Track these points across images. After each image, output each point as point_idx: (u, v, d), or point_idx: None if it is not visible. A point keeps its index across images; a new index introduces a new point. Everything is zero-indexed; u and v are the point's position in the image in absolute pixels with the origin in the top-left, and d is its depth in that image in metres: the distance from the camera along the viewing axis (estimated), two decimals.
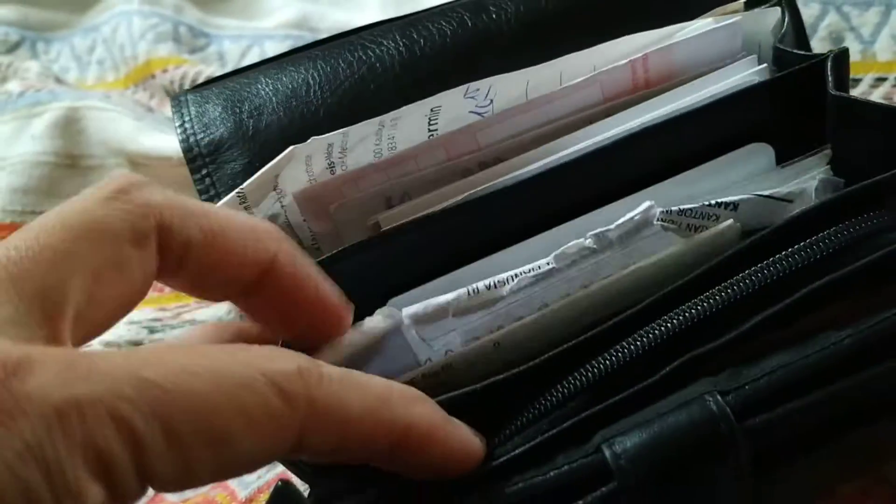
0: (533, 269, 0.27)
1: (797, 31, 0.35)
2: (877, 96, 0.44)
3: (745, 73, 0.32)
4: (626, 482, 0.22)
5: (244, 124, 0.34)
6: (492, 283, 0.27)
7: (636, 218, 0.27)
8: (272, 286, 0.23)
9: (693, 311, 0.25)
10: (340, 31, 0.57)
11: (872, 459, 0.27)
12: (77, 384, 0.17)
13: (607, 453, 0.22)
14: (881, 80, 0.44)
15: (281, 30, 0.62)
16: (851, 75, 0.45)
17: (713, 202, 0.28)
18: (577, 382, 0.24)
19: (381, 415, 0.21)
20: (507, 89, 0.32)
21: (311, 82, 0.35)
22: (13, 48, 0.68)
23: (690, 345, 0.24)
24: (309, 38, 0.60)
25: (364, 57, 0.35)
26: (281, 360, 0.20)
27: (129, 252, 0.20)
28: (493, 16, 0.36)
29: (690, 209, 0.27)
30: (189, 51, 0.63)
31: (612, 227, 0.27)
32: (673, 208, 0.27)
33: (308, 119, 0.34)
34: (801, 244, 0.25)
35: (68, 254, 0.19)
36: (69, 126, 0.57)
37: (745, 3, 0.35)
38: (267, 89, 0.35)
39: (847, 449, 0.24)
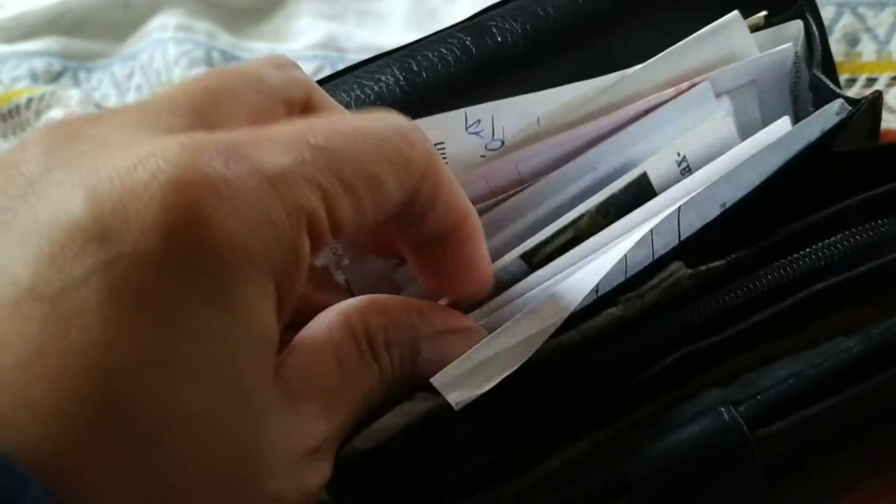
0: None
1: (823, 44, 0.33)
2: (893, 95, 0.43)
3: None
4: (643, 495, 0.23)
5: None
6: None
7: (667, 282, 0.27)
8: None
9: (696, 312, 0.25)
10: (367, 50, 0.58)
11: (891, 460, 0.27)
12: (273, 157, 0.19)
13: (623, 467, 0.23)
14: None
15: (309, 51, 0.63)
16: (867, 75, 0.45)
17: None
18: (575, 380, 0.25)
19: (461, 199, 0.24)
20: (513, 119, 0.30)
21: None
22: (56, 77, 0.70)
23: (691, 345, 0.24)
24: (336, 57, 0.61)
25: (362, 96, 0.32)
26: (399, 116, 0.22)
27: (279, 109, 0.23)
28: (499, 38, 0.33)
29: (717, 266, 0.27)
30: None
31: (642, 290, 0.27)
32: (702, 268, 0.27)
33: None
34: (809, 249, 0.25)
35: (236, 93, 0.22)
36: None
37: (765, 15, 0.33)
38: None
39: (863, 453, 0.25)
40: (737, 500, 0.23)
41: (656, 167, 0.28)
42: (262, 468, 0.19)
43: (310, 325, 0.23)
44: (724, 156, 0.28)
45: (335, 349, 0.23)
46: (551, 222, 0.28)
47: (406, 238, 0.25)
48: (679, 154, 0.28)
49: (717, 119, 0.29)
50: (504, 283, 0.28)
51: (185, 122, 0.21)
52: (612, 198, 0.28)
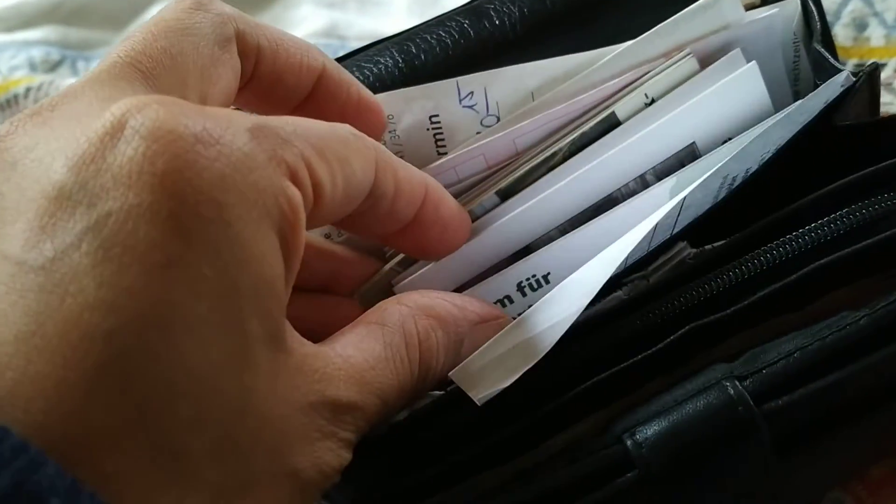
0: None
1: (822, 21, 0.33)
2: None
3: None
4: (649, 471, 0.23)
5: None
6: None
7: (671, 262, 0.27)
8: (323, 94, 0.27)
9: (701, 288, 0.25)
10: (368, 37, 0.58)
11: None
12: (245, 117, 0.20)
13: (629, 443, 0.23)
14: None
15: (311, 38, 0.63)
16: (875, 60, 0.44)
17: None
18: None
19: (416, 175, 0.25)
20: (507, 93, 0.31)
21: None
22: (54, 67, 0.70)
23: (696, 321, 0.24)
24: (337, 45, 0.61)
25: (361, 78, 0.32)
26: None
27: (218, 53, 0.23)
28: (496, 21, 0.34)
29: (721, 245, 0.27)
30: None
31: (647, 272, 0.27)
32: (707, 247, 0.27)
33: None
34: (814, 224, 0.25)
35: (180, 54, 0.22)
36: None
37: None
38: None
39: (870, 429, 0.24)
40: (744, 476, 0.23)
41: (624, 108, 0.29)
42: (274, 435, 0.19)
43: (368, 312, 0.24)
44: (684, 85, 0.28)
45: (387, 345, 0.23)
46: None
47: (390, 231, 0.25)
48: (647, 95, 0.29)
49: (683, 61, 0.29)
50: (478, 216, 0.29)
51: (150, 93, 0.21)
52: (583, 135, 0.29)
